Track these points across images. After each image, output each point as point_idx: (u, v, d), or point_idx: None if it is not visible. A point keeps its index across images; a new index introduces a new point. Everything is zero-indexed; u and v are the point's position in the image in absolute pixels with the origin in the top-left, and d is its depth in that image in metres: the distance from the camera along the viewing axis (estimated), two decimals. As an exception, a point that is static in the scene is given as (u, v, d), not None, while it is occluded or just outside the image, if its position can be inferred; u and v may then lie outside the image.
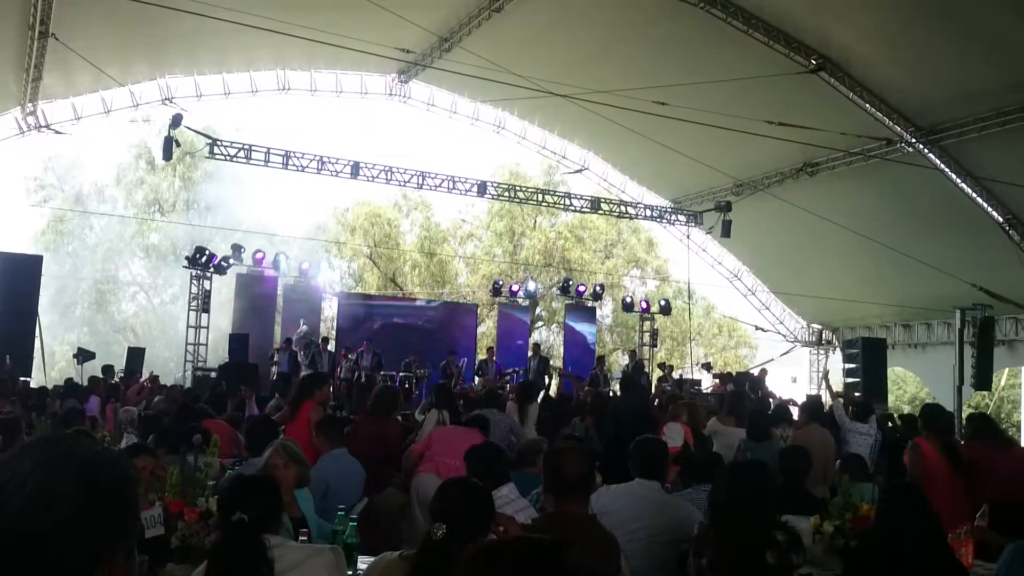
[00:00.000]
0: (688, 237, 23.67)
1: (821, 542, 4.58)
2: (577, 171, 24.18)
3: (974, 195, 17.36)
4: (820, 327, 25.98)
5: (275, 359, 17.61)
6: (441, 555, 2.75)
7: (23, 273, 15.82)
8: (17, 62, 16.07)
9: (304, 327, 18.83)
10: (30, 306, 15.61)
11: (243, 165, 18.52)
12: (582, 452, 3.84)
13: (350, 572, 3.60)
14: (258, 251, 20.02)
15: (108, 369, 14.03)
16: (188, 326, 19.05)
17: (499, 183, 23.18)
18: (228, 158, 17.93)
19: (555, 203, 23.26)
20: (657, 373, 19.70)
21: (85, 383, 12.77)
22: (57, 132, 19.26)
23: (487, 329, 27.81)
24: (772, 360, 23.18)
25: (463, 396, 12.84)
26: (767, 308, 25.99)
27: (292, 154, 18.27)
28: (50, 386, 13.10)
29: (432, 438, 6.19)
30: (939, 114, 16.06)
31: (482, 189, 20.43)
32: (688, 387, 17.53)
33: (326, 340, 18.49)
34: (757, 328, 26.65)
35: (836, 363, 21.99)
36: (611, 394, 12.98)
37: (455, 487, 3.13)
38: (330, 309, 24.71)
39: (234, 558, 2.83)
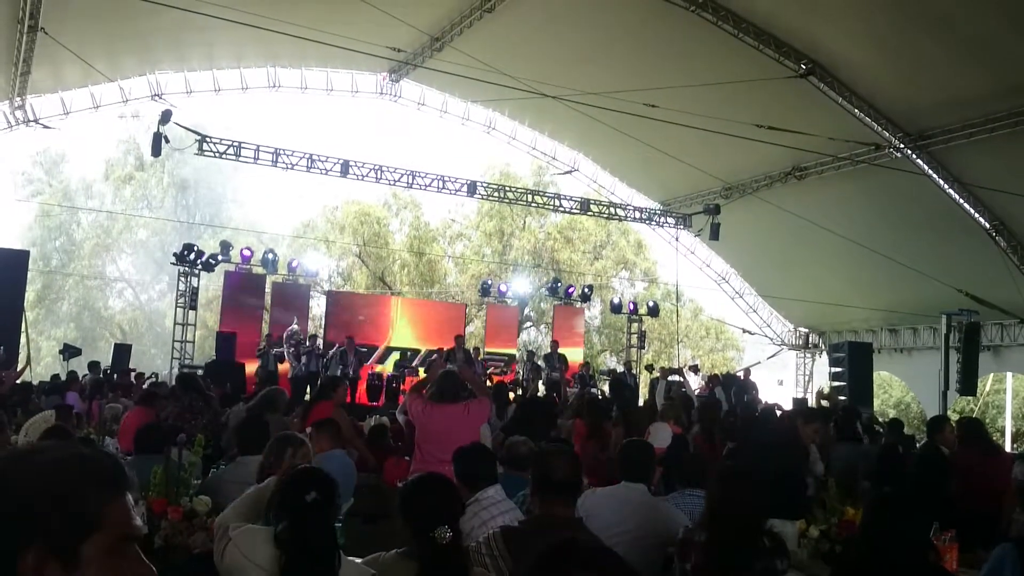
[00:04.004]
0: (677, 239, 23.72)
1: (807, 546, 4.59)
2: (567, 172, 24.18)
3: (961, 201, 17.45)
4: (807, 330, 26.06)
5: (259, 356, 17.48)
6: (452, 555, 2.80)
7: (9, 268, 15.74)
8: (6, 56, 15.97)
9: (294, 326, 18.73)
10: (16, 302, 15.51)
11: (232, 162, 18.46)
12: (569, 454, 3.83)
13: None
14: (246, 248, 19.93)
15: (94, 366, 13.98)
16: (175, 323, 18.92)
17: (489, 183, 23.16)
18: (217, 155, 17.83)
19: (545, 204, 23.26)
20: (645, 375, 19.71)
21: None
22: (45, 127, 19.17)
23: (475, 329, 27.80)
24: (759, 363, 23.24)
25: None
26: (754, 311, 26.06)
27: (281, 151, 18.19)
28: (35, 382, 13.02)
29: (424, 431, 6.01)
30: (927, 120, 16.14)
31: (472, 189, 20.39)
32: (676, 388, 17.53)
33: (314, 338, 18.39)
34: (744, 331, 26.73)
35: (822, 367, 22.05)
36: (599, 395, 13.00)
37: (442, 487, 3.11)
38: (319, 307, 24.66)
39: (312, 536, 2.75)
